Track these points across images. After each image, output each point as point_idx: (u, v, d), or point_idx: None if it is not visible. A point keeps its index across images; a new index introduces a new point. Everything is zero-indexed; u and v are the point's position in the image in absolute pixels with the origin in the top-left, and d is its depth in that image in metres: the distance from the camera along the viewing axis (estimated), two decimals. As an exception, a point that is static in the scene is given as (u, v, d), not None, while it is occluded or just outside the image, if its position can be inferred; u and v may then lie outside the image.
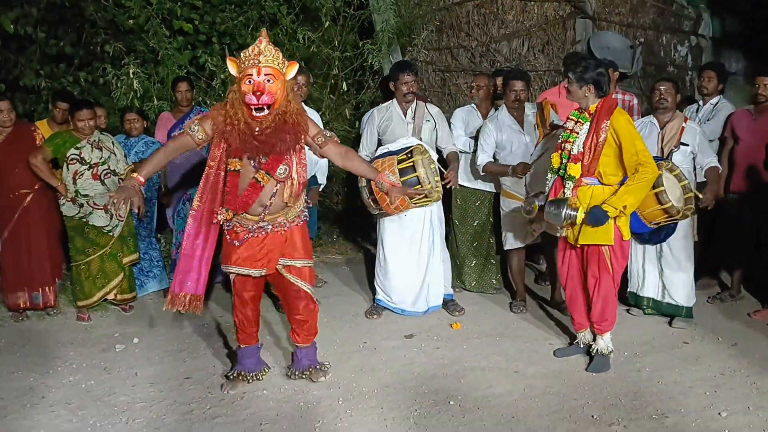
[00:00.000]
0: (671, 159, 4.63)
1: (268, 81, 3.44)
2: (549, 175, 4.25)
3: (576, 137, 4.02)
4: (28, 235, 5.11)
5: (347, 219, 7.24)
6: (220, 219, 3.69)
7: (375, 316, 5.11)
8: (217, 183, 3.68)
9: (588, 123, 4.01)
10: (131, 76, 6.14)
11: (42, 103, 6.69)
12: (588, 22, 7.16)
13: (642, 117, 5.17)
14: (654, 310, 5.00)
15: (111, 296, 5.23)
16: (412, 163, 4.57)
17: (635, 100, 5.75)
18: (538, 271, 6.24)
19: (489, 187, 5.41)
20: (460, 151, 5.22)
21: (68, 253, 5.21)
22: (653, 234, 4.68)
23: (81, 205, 4.99)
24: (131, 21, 6.45)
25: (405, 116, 4.99)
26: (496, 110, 5.32)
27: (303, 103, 5.22)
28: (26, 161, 4.90)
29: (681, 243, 4.82)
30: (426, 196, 4.63)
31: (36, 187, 5.05)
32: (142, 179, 3.59)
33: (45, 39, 6.72)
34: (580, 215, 3.97)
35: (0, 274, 5.30)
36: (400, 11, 7.03)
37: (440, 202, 4.99)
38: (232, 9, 6.82)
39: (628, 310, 5.05)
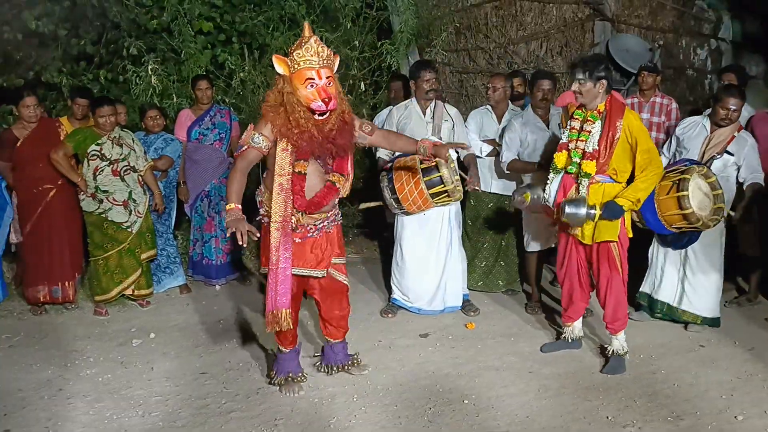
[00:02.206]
0: (710, 165, 4.51)
1: (329, 84, 3.40)
2: (551, 175, 4.23)
3: (588, 136, 4.01)
4: (50, 230, 5.16)
5: (363, 218, 7.26)
6: (293, 223, 3.63)
7: (390, 315, 5.12)
8: (289, 189, 3.56)
9: (599, 121, 4.00)
10: (150, 72, 6.19)
11: (62, 101, 6.77)
12: (607, 25, 7.16)
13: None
14: (666, 315, 4.93)
15: (128, 291, 5.28)
16: (434, 163, 4.58)
17: (674, 104, 5.72)
18: (555, 273, 6.21)
19: (502, 189, 5.39)
20: (476, 156, 5.20)
21: (87, 249, 5.27)
22: (674, 238, 4.64)
23: (100, 201, 5.05)
24: (154, 21, 6.51)
25: (424, 115, 4.98)
26: (513, 111, 5.33)
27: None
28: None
29: (707, 250, 4.72)
30: (448, 195, 4.65)
31: (59, 182, 5.10)
32: (239, 206, 3.43)
33: (67, 37, 6.80)
34: (598, 212, 3.97)
35: (21, 267, 5.37)
36: (419, 12, 7.04)
37: (458, 202, 5.00)
38: (252, 8, 6.87)
39: (629, 315, 4.74)
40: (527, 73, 6.51)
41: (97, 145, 5.01)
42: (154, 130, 5.54)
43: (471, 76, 7.64)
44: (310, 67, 3.36)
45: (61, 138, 5.10)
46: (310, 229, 3.72)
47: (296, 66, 3.39)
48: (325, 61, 3.40)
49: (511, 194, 4.36)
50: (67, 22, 6.71)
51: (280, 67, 3.45)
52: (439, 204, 4.75)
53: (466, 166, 5.07)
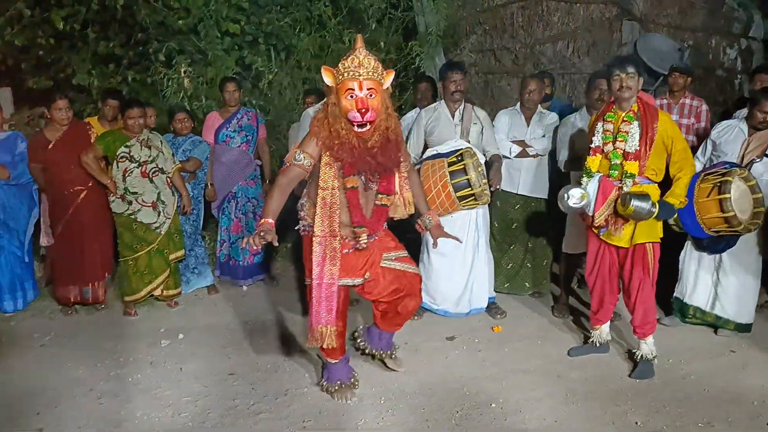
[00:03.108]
0: (750, 169, 4.45)
1: (371, 96, 3.35)
2: (584, 179, 4.16)
3: (626, 136, 3.97)
4: (81, 231, 5.22)
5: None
6: (363, 242, 3.64)
7: (416, 317, 5.11)
8: (334, 204, 3.51)
9: (636, 122, 3.96)
10: (182, 75, 6.25)
11: (92, 102, 6.86)
12: (635, 24, 7.08)
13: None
14: (699, 320, 4.87)
15: (157, 292, 5.34)
16: (462, 166, 4.56)
17: (704, 106, 5.63)
18: (581, 275, 6.17)
19: (530, 191, 5.36)
20: (503, 156, 5.17)
21: (117, 250, 5.33)
22: (711, 242, 4.59)
23: (130, 203, 5.10)
24: (180, 22, 6.57)
25: (453, 118, 4.96)
26: (542, 113, 5.30)
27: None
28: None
29: (744, 256, 4.66)
30: (475, 199, 4.65)
31: (89, 184, 5.16)
32: (271, 221, 3.38)
33: (96, 39, 6.89)
34: (657, 210, 3.90)
35: (52, 268, 5.45)
36: (444, 13, 7.03)
37: (486, 205, 4.97)
38: (279, 10, 6.91)
39: (659, 320, 4.67)
40: (554, 73, 6.47)
41: (126, 147, 5.07)
42: (183, 132, 5.59)
43: (497, 76, 7.60)
44: (353, 78, 3.33)
45: (92, 140, 5.17)
46: (363, 243, 3.68)
47: (341, 77, 3.37)
48: (369, 73, 3.34)
49: (560, 193, 4.21)
50: (96, 24, 6.81)
51: (327, 78, 3.42)
52: (465, 207, 4.74)
53: (490, 164, 5.05)
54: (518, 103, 5.37)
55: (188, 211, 5.44)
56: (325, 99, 3.62)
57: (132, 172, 5.08)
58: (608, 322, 4.49)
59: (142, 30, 6.89)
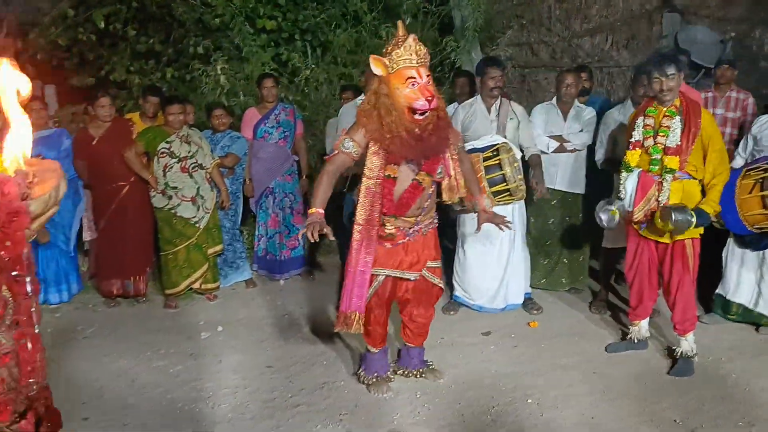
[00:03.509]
0: None
1: (429, 81, 3.32)
2: (623, 174, 4.12)
3: (668, 131, 3.91)
4: (123, 225, 5.34)
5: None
6: (390, 233, 3.61)
7: (452, 313, 5.12)
8: (377, 193, 3.52)
9: (678, 116, 3.90)
10: (219, 72, 6.33)
11: (132, 99, 6.99)
12: (676, 16, 6.96)
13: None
14: (742, 317, 4.78)
15: (196, 285, 5.43)
16: (498, 161, 4.54)
17: (751, 99, 5.52)
18: (618, 271, 6.10)
19: (567, 186, 5.32)
20: (540, 152, 5.13)
21: (157, 244, 5.44)
22: (755, 239, 4.50)
23: (170, 197, 5.20)
24: (217, 19, 6.66)
25: (489, 113, 4.94)
26: (579, 108, 5.25)
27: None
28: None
29: None
30: (510, 194, 4.62)
31: (131, 179, 5.27)
32: (321, 210, 3.41)
33: (135, 37, 7.02)
34: (695, 219, 3.85)
35: (95, 261, 5.58)
36: (481, 7, 6.99)
37: (522, 200, 4.94)
38: (315, 6, 6.95)
39: (699, 317, 4.57)
40: (592, 67, 6.40)
41: (167, 143, 5.16)
42: (220, 128, 5.67)
43: (533, 71, 7.55)
44: (410, 66, 3.28)
45: (133, 137, 5.27)
46: (405, 232, 3.68)
47: (395, 66, 3.31)
48: (423, 60, 3.33)
49: (596, 211, 4.20)
50: (135, 22, 6.93)
51: (377, 68, 3.36)
52: (501, 202, 4.71)
53: (531, 168, 5.00)
54: (555, 98, 5.33)
55: (227, 206, 5.52)
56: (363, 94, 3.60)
57: (172, 167, 5.17)
58: (647, 319, 4.43)
59: (180, 27, 6.99)
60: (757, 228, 4.24)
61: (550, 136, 5.22)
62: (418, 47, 3.31)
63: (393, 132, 3.36)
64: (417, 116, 3.35)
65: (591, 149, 5.21)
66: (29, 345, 1.48)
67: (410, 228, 3.67)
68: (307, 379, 4.08)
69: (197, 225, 5.29)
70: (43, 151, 5.08)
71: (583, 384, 3.99)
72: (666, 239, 4.03)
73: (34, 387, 1.54)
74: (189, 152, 5.22)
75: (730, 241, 4.76)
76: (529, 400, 3.78)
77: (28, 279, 1.46)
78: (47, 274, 5.31)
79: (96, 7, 6.58)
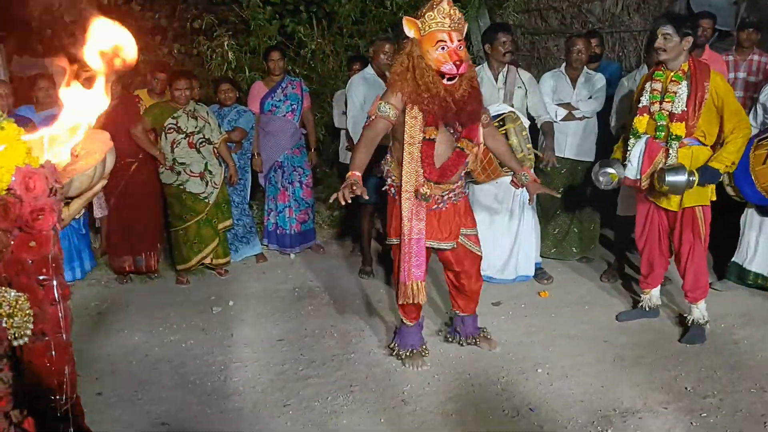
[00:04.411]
0: None
1: (461, 47, 3.30)
2: (631, 141, 4.06)
3: (674, 97, 3.84)
4: (133, 202, 5.34)
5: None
6: (425, 192, 3.53)
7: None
8: (419, 158, 3.49)
9: (685, 81, 3.82)
10: (225, 47, 6.28)
11: (139, 75, 6.95)
12: (687, -22, 6.80)
13: None
14: (759, 287, 4.74)
15: (207, 261, 5.45)
16: (504, 131, 4.50)
17: None
18: (631, 239, 6.06)
19: (576, 155, 5.26)
20: (552, 120, 5.05)
21: (168, 220, 5.46)
22: None
23: (178, 173, 5.19)
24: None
25: (496, 81, 4.87)
26: (588, 74, 5.18)
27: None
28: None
29: None
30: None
31: (140, 156, 5.26)
32: (358, 173, 3.35)
33: (141, 12, 6.97)
34: (697, 178, 3.78)
35: (107, 239, 5.61)
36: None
37: (531, 170, 4.89)
38: (320, -23, 6.86)
39: (711, 284, 4.50)
40: (603, 32, 6.29)
41: (174, 118, 5.15)
42: (227, 103, 5.64)
43: (543, 37, 7.43)
44: (442, 29, 3.27)
45: (140, 112, 5.26)
46: (437, 200, 3.64)
47: (427, 28, 3.30)
48: (456, 24, 3.30)
49: (593, 174, 4.17)
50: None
51: (410, 30, 3.35)
52: (507, 173, 4.67)
53: (543, 135, 4.95)
54: (563, 65, 5.25)
55: (234, 181, 5.52)
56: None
57: (180, 143, 5.16)
58: (659, 287, 4.41)
59: (185, 1, 6.93)
60: None
61: (559, 104, 5.15)
62: (452, 11, 3.29)
63: (431, 92, 3.34)
64: (446, 81, 3.33)
65: (601, 116, 5.14)
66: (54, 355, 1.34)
67: (444, 194, 3.63)
68: (318, 352, 4.10)
69: (206, 200, 5.29)
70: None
71: (593, 353, 3.98)
72: (674, 206, 3.98)
73: (64, 405, 1.40)
74: (196, 127, 5.21)
75: (749, 210, 4.70)
76: (539, 370, 3.79)
77: (55, 283, 1.33)
78: (59, 252, 5.32)
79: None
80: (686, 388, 3.54)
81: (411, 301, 3.66)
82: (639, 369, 3.78)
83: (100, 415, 3.39)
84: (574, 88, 5.17)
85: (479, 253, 3.92)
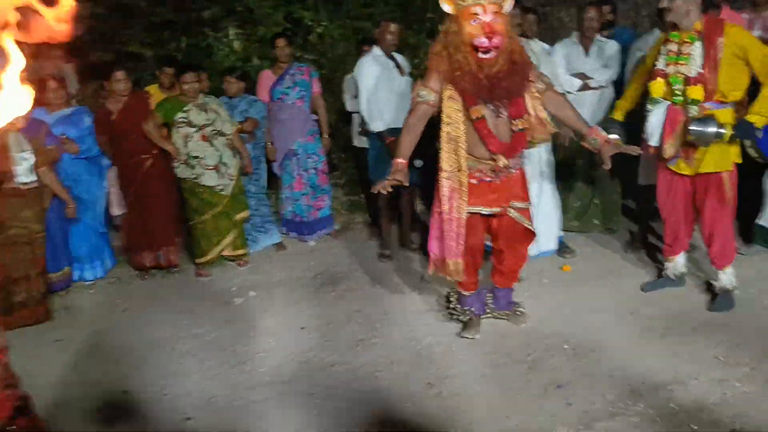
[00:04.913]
0: None
1: (496, 20, 3.23)
2: (648, 107, 3.95)
3: (688, 59, 3.72)
4: (150, 198, 5.35)
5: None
6: (502, 164, 3.50)
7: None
8: (459, 137, 3.45)
9: (699, 42, 3.70)
10: (231, 37, 6.23)
11: (149, 71, 6.95)
12: (700, -62, 6.61)
13: None
14: None
15: (226, 252, 5.45)
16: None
17: None
18: (656, 207, 5.96)
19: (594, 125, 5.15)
20: (566, 92, 4.95)
21: (185, 214, 5.45)
22: None
23: (193, 167, 5.17)
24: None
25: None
26: (600, 42, 5.06)
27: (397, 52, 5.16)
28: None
29: None
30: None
31: (154, 152, 5.26)
32: (403, 161, 3.42)
33: (148, 7, 6.94)
34: (729, 131, 3.66)
35: (126, 236, 5.63)
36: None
37: (549, 144, 4.80)
38: (325, -40, 6.78)
39: (737, 249, 4.39)
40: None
41: (184, 112, 5.13)
42: (229, 93, 5.61)
43: (555, 8, 7.30)
44: (477, 3, 3.21)
45: (151, 108, 5.25)
46: (496, 172, 3.57)
47: (462, 2, 3.26)
48: None
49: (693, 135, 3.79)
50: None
51: (447, 6, 3.32)
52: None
53: None
54: (575, 34, 5.14)
55: (249, 171, 5.50)
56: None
57: (192, 137, 5.14)
58: (683, 254, 4.31)
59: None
60: None
61: (573, 74, 5.04)
62: None
63: (462, 68, 3.30)
64: (480, 55, 3.26)
65: (617, 86, 5.03)
66: None
67: (503, 169, 3.57)
68: (342, 338, 4.09)
69: (222, 192, 5.28)
70: (66, 130, 5.11)
71: (619, 326, 3.93)
72: (691, 171, 3.86)
73: None
74: (207, 120, 5.18)
75: (769, 171, 4.59)
76: (566, 346, 3.74)
77: None
78: (80, 252, 5.36)
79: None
80: (717, 358, 3.48)
81: (453, 278, 3.68)
82: (667, 340, 3.71)
83: (126, 415, 3.41)
84: (587, 57, 5.06)
85: (530, 228, 3.79)
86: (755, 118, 3.64)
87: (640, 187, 4.96)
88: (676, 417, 3.04)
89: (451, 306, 4.09)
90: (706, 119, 3.66)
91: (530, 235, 3.84)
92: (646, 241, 5.10)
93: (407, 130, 3.49)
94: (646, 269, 4.71)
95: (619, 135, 3.91)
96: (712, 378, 3.31)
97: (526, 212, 3.78)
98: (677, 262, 4.29)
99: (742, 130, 3.66)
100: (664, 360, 3.51)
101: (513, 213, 3.73)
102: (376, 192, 3.42)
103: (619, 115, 4.20)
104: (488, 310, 4.09)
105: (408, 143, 3.48)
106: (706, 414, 3.04)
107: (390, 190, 3.35)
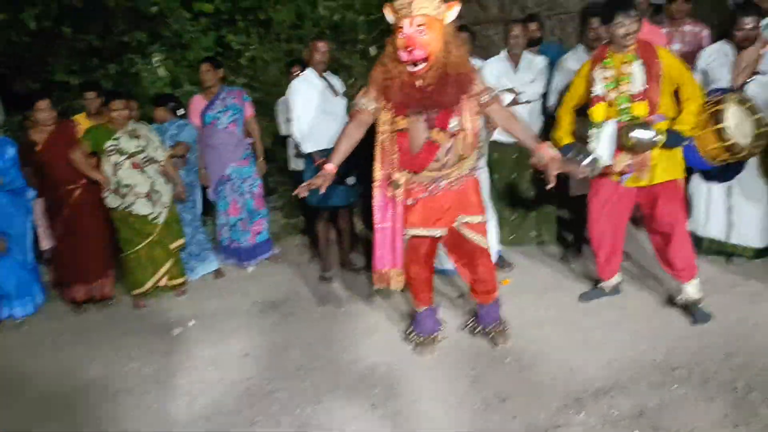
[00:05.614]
0: (745, 90, 4.28)
1: (421, 33, 3.20)
2: (592, 130, 3.97)
3: (629, 77, 3.79)
4: (80, 229, 5.18)
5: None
6: (398, 179, 3.51)
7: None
8: (390, 149, 3.50)
9: (637, 60, 3.80)
10: (154, 63, 6.12)
11: (77, 99, 6.77)
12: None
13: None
14: (715, 253, 4.77)
15: (163, 282, 5.30)
16: None
17: (706, 31, 5.28)
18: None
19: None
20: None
21: (118, 245, 5.28)
22: (720, 172, 4.46)
23: (123, 196, 5.02)
24: (153, 7, 6.43)
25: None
26: (528, 58, 5.17)
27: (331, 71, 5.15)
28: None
29: (754, 178, 4.48)
30: None
31: (82, 181, 5.10)
32: (333, 167, 3.47)
33: (72, 34, 6.76)
34: (663, 137, 3.75)
35: (57, 270, 5.43)
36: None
37: (485, 159, 4.84)
38: (252, -16, 6.75)
39: None
40: (542, 16, 6.31)
41: (114, 140, 4.99)
42: (160, 120, 5.53)
43: (483, 26, 7.42)
44: (405, 15, 3.22)
45: (78, 137, 5.09)
46: (427, 186, 3.56)
47: (396, 15, 3.28)
48: (423, 7, 3.19)
49: (578, 161, 3.79)
50: (68, 18, 6.65)
51: (388, 16, 3.33)
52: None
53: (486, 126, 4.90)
54: (504, 51, 5.24)
55: (183, 198, 5.38)
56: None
57: (122, 164, 5.00)
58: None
59: (115, 19, 6.74)
60: (719, 161, 4.14)
61: (503, 90, 5.12)
62: None
63: (392, 78, 3.33)
64: (408, 68, 3.28)
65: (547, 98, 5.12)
66: None
67: (432, 183, 3.56)
68: (284, 364, 4.01)
69: (156, 221, 5.14)
70: (-13, 162, 4.92)
71: (560, 337, 3.96)
72: (649, 181, 3.90)
73: None
74: (138, 147, 5.05)
75: (694, 177, 4.71)
76: (508, 359, 3.76)
77: None
78: (8, 288, 5.14)
79: (24, 8, 6.30)
80: (655, 361, 3.54)
81: (388, 287, 3.65)
82: (607, 348, 3.76)
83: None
84: (516, 73, 5.15)
85: (480, 244, 3.73)
86: (682, 127, 3.80)
87: (572, 197, 5.04)
88: (619, 424, 3.08)
89: (407, 331, 4.09)
90: (645, 125, 3.75)
91: (480, 250, 3.76)
92: (581, 250, 5.18)
93: (343, 135, 3.54)
94: (582, 279, 4.78)
95: (585, 154, 3.82)
96: (652, 382, 3.37)
97: (475, 226, 3.71)
98: (614, 279, 4.36)
99: (673, 139, 3.80)
100: (605, 367, 3.55)
101: (464, 230, 3.69)
102: (301, 197, 3.45)
103: (568, 140, 4.19)
104: (477, 328, 4.04)
105: (342, 149, 3.52)
106: (645, 419, 3.09)
107: (306, 193, 3.41)
